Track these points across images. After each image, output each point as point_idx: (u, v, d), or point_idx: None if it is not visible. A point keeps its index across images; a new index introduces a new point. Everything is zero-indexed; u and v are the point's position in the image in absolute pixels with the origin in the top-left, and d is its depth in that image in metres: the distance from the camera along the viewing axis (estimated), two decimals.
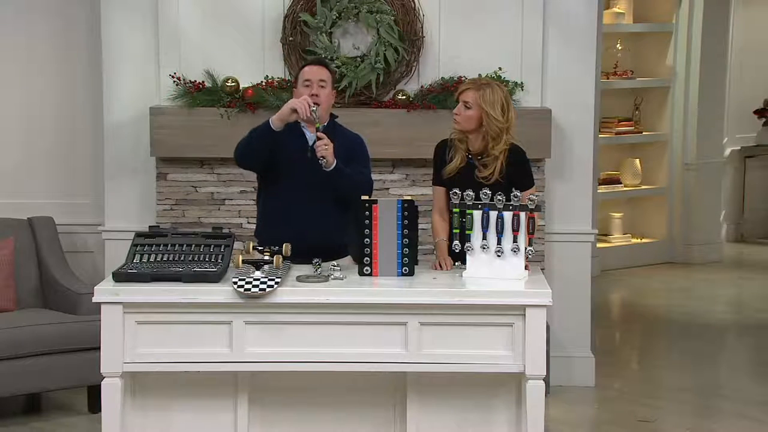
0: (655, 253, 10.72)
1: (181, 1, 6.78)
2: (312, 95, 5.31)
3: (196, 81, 6.74)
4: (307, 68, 5.42)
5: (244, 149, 5.38)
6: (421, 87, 6.78)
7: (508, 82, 6.67)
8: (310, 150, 5.31)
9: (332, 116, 5.47)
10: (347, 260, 5.36)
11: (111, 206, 6.92)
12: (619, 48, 10.57)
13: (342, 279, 4.96)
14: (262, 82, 6.74)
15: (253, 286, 4.76)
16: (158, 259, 5.02)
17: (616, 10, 10.50)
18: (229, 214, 6.81)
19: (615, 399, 6.85)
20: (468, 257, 5.03)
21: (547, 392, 5.22)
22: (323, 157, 5.21)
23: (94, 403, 6.23)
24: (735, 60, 11.35)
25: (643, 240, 10.81)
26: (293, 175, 5.33)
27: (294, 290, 4.84)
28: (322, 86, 5.34)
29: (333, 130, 5.41)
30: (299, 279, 4.94)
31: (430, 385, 4.98)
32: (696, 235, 10.71)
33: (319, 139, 5.22)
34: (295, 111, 5.22)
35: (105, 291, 4.82)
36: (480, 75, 6.54)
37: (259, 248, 5.04)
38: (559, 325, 6.84)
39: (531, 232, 4.99)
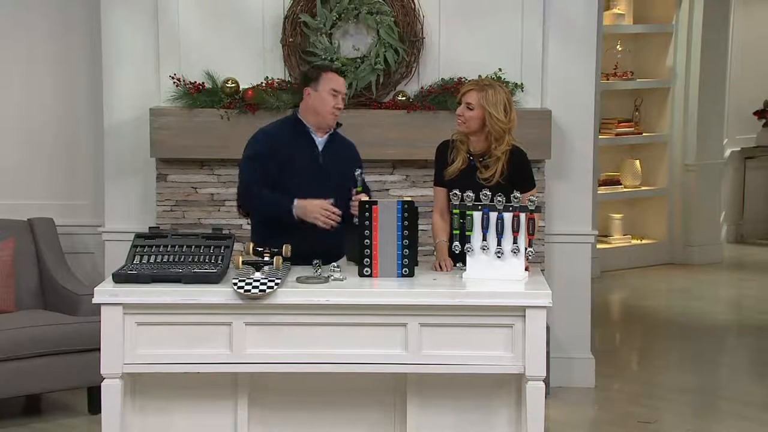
0: (655, 254, 10.71)
1: (181, 1, 6.78)
2: (337, 108, 5.31)
3: (196, 82, 6.74)
4: (333, 76, 5.35)
5: (254, 207, 5.38)
6: (421, 88, 6.78)
7: (508, 83, 6.67)
8: (322, 155, 5.34)
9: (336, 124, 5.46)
10: (342, 260, 5.36)
11: (111, 207, 6.92)
12: (619, 49, 10.57)
13: (342, 280, 4.96)
14: (262, 83, 6.73)
15: (253, 287, 4.77)
16: (158, 260, 5.02)
17: (616, 11, 10.50)
18: (229, 215, 6.80)
19: (615, 400, 6.86)
20: (468, 258, 5.03)
21: (547, 393, 5.22)
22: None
23: (94, 404, 6.23)
24: (735, 60, 11.35)
25: (643, 241, 10.80)
26: (302, 182, 5.30)
27: (294, 291, 4.84)
28: (344, 99, 5.38)
29: (336, 138, 5.41)
30: (299, 280, 4.94)
31: (430, 386, 4.98)
32: (696, 236, 10.71)
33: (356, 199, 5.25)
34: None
35: (105, 292, 4.82)
36: (480, 76, 6.54)
37: (259, 249, 5.03)
38: (559, 326, 6.84)
39: (531, 233, 4.99)
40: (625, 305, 9.54)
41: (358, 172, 5.28)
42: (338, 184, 5.30)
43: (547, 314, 4.83)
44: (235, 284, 4.78)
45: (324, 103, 5.31)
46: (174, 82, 6.76)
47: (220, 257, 5.04)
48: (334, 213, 5.20)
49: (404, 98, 6.73)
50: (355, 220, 5.21)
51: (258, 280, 4.80)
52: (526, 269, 5.08)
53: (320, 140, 5.36)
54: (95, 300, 4.82)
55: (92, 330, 5.77)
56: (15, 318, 6.37)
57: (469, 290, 4.90)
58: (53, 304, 6.60)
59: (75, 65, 7.28)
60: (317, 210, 5.20)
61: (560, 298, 6.32)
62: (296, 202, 5.22)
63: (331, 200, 5.23)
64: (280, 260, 4.96)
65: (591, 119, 6.97)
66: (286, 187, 5.30)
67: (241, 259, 4.95)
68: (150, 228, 5.29)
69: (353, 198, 5.26)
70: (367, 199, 5.17)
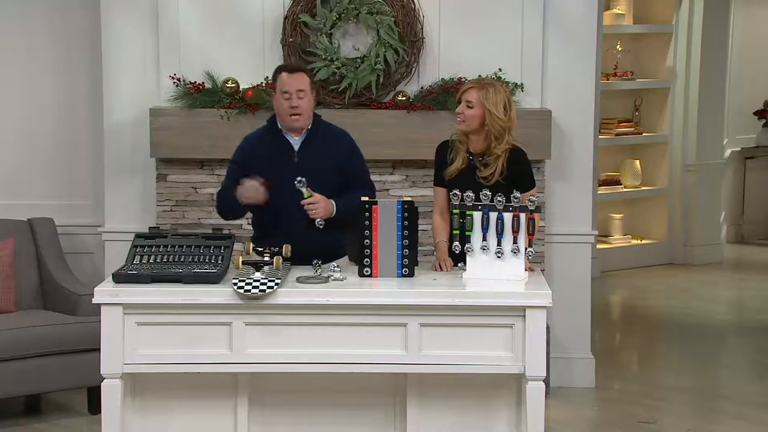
0: (655, 255, 10.71)
1: (181, 2, 6.78)
2: (292, 108, 5.26)
3: (196, 82, 6.74)
4: (284, 77, 5.29)
5: (224, 211, 5.49)
6: (421, 88, 6.78)
7: (508, 83, 6.67)
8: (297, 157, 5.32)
9: (315, 116, 5.42)
10: (344, 260, 5.36)
11: (111, 207, 6.92)
12: (619, 49, 10.58)
13: (342, 280, 4.95)
14: (262, 83, 6.73)
15: (253, 287, 4.76)
16: (158, 261, 5.02)
17: (616, 11, 10.50)
18: None
19: (615, 400, 6.85)
20: (468, 258, 5.03)
21: (547, 393, 5.22)
22: (319, 219, 5.22)
23: (94, 405, 6.23)
24: (735, 60, 11.35)
25: (643, 241, 10.80)
26: (282, 182, 5.28)
27: (294, 291, 4.83)
28: (301, 97, 5.27)
29: (317, 132, 5.36)
30: (299, 280, 4.94)
31: (430, 386, 4.98)
32: (696, 237, 10.71)
33: (309, 203, 5.22)
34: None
35: (105, 292, 4.82)
36: (480, 76, 6.54)
37: (259, 249, 5.04)
38: (559, 326, 6.84)
39: (531, 233, 4.99)
40: (625, 305, 9.54)
41: (297, 180, 5.18)
42: (318, 182, 5.23)
43: (547, 314, 4.82)
44: (235, 284, 4.78)
45: (279, 105, 5.30)
46: (174, 82, 6.76)
47: (220, 257, 5.04)
48: (254, 188, 5.21)
49: (404, 98, 6.73)
50: (318, 223, 5.20)
51: (258, 280, 4.80)
52: (531, 270, 5.09)
53: (296, 140, 5.34)
54: (95, 300, 4.82)
55: (92, 330, 5.78)
56: (15, 318, 6.37)
57: (469, 290, 4.90)
58: (53, 304, 6.60)
59: (75, 65, 7.28)
60: (242, 193, 5.24)
61: (560, 298, 6.32)
62: (237, 190, 5.27)
63: (263, 180, 5.23)
64: (280, 260, 4.97)
65: (591, 119, 6.97)
66: (266, 186, 5.30)
67: (241, 259, 4.96)
68: (150, 228, 5.28)
69: (305, 206, 5.20)
70: (367, 199, 5.16)
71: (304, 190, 5.20)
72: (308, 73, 5.44)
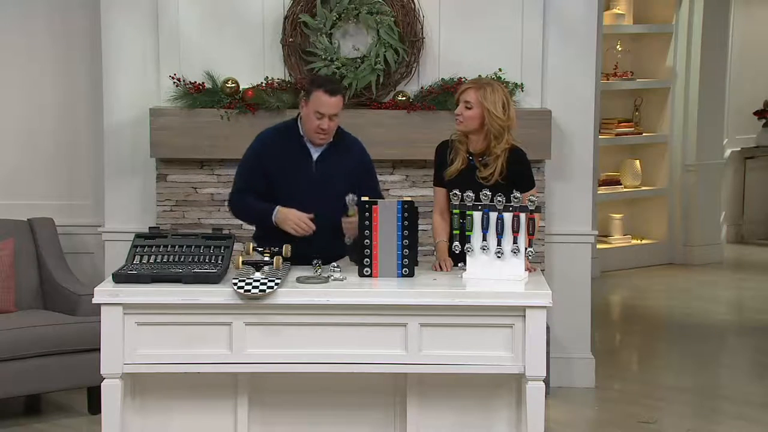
0: (655, 255, 10.71)
1: (181, 2, 6.78)
2: (322, 129, 5.24)
3: (196, 82, 6.74)
4: (324, 98, 5.21)
5: (239, 215, 5.54)
6: (421, 88, 6.78)
7: (508, 83, 6.67)
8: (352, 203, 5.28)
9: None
10: (344, 260, 5.36)
11: (111, 207, 6.92)
12: (619, 49, 10.58)
13: (342, 280, 4.96)
14: (262, 83, 6.73)
15: (253, 287, 4.76)
16: (158, 261, 5.02)
17: (616, 11, 10.50)
18: (229, 215, 6.77)
19: (615, 400, 6.85)
20: (468, 258, 5.03)
21: (547, 393, 5.22)
22: (349, 236, 5.26)
23: (94, 405, 6.23)
24: (735, 60, 11.35)
25: (643, 241, 10.80)
26: (296, 187, 5.29)
27: (294, 291, 4.84)
28: (333, 119, 5.26)
29: (340, 143, 5.36)
30: (299, 280, 4.94)
31: (430, 386, 4.98)
32: (696, 237, 10.71)
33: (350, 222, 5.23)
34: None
35: (105, 292, 4.82)
36: (480, 76, 6.54)
37: (259, 249, 5.04)
38: (559, 326, 6.84)
39: (531, 233, 4.99)
40: (625, 305, 9.54)
41: (350, 197, 5.21)
42: (332, 193, 5.26)
43: (547, 314, 4.82)
44: (235, 284, 4.78)
45: (309, 121, 5.27)
46: (174, 82, 6.76)
47: (220, 257, 5.04)
48: (306, 225, 5.21)
49: (404, 98, 6.73)
50: (347, 239, 5.24)
51: (258, 280, 4.80)
52: (531, 270, 5.08)
53: (315, 149, 5.33)
54: (95, 300, 4.82)
55: (92, 330, 5.78)
56: (15, 318, 6.37)
57: (469, 290, 4.90)
58: (53, 304, 6.60)
59: (75, 65, 7.28)
60: (292, 220, 5.22)
61: (560, 298, 6.32)
62: (277, 210, 5.25)
63: (312, 215, 5.22)
64: (280, 260, 4.97)
65: (591, 119, 6.97)
66: (278, 196, 5.30)
67: (241, 259, 4.96)
68: (150, 228, 5.29)
69: (344, 222, 5.24)
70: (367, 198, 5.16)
71: (352, 208, 5.21)
72: (344, 93, 5.42)
